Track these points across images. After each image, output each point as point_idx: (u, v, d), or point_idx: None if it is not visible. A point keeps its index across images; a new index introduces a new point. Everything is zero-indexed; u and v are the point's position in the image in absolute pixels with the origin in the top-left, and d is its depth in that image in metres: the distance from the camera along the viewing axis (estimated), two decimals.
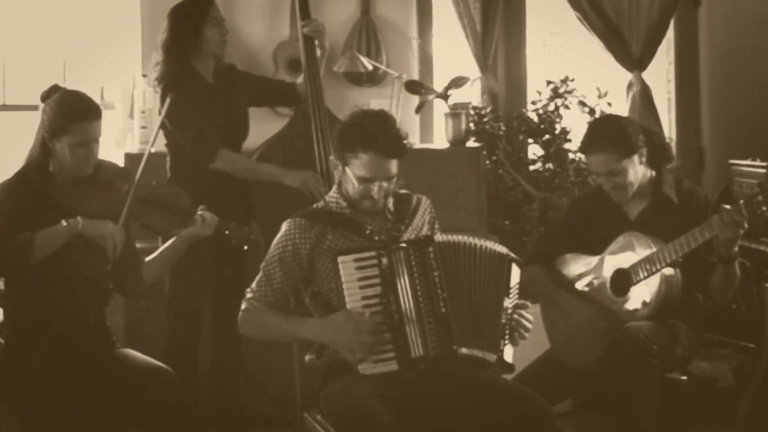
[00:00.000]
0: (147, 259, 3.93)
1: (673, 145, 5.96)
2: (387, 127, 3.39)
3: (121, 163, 4.84)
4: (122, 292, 3.95)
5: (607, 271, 3.96)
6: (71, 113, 3.65)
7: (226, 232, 3.96)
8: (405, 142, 3.41)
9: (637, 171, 4.01)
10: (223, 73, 4.57)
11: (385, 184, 3.39)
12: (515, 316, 3.40)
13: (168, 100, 4.20)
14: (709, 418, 4.55)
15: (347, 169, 3.42)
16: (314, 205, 3.61)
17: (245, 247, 3.95)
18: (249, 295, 3.47)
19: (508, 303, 3.39)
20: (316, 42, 4.68)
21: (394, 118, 3.47)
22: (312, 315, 3.47)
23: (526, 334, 3.42)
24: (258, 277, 3.48)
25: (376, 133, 3.37)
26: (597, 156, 4.01)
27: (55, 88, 3.74)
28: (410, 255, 3.31)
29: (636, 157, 3.99)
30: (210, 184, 4.39)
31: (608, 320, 3.92)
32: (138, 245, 4.13)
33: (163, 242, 4.05)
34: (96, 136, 3.69)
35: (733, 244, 3.76)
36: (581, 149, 4.14)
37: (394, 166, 3.39)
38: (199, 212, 3.91)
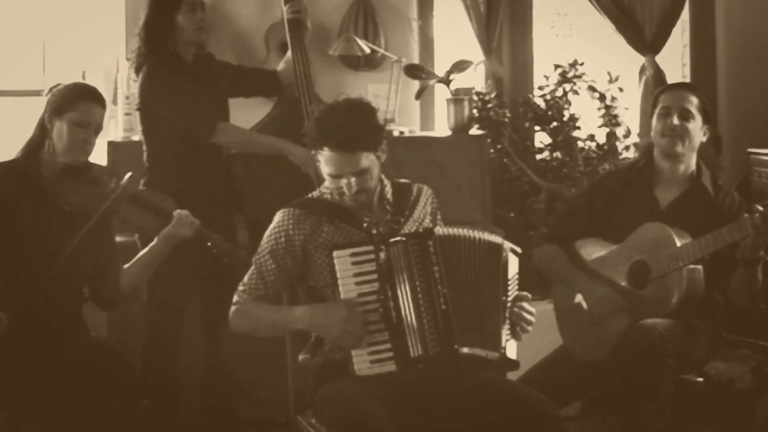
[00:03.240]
0: (126, 266, 3.96)
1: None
2: (344, 120, 3.35)
3: (104, 152, 4.88)
4: (97, 301, 3.97)
5: (627, 261, 3.96)
6: (79, 91, 3.83)
7: (209, 243, 4.01)
8: (371, 131, 3.38)
9: (695, 141, 4.04)
10: (202, 61, 4.61)
11: (353, 180, 3.37)
12: (515, 309, 3.42)
13: (142, 74, 4.38)
14: (725, 422, 4.56)
15: (320, 166, 3.44)
16: (309, 195, 3.61)
17: (225, 260, 4.00)
18: (240, 288, 3.49)
19: (507, 296, 3.40)
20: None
21: (364, 107, 3.41)
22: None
23: (529, 328, 3.44)
24: (249, 271, 3.49)
25: (330, 128, 3.35)
26: (678, 90, 4.11)
27: (59, 84, 3.89)
28: (409, 249, 3.31)
29: (704, 128, 4.05)
30: (191, 176, 4.43)
31: (628, 301, 3.91)
32: (120, 238, 4.16)
33: (142, 242, 4.10)
34: (98, 122, 3.82)
35: (759, 248, 3.74)
36: (660, 90, 4.21)
37: (361, 160, 3.35)
38: (176, 211, 3.95)
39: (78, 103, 3.77)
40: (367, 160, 3.37)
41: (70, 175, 3.78)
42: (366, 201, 3.44)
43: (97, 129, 3.82)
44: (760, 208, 3.66)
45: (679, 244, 3.83)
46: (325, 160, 3.38)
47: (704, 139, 4.06)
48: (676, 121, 4.01)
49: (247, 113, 4.81)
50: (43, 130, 3.80)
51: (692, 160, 4.07)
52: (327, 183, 3.45)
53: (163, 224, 3.97)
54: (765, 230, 3.64)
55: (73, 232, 3.71)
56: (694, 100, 4.05)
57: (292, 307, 3.47)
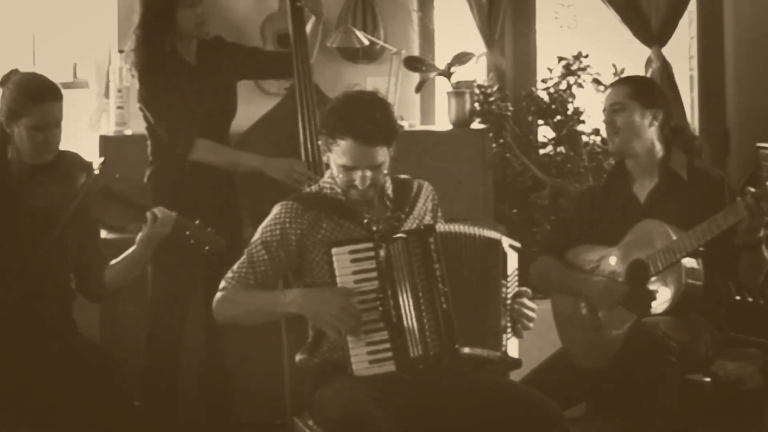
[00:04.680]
0: (112, 262, 3.93)
1: (696, 128, 5.96)
2: (369, 112, 3.37)
3: (95, 146, 4.87)
4: (82, 293, 3.98)
5: (623, 262, 3.97)
6: (28, 94, 3.72)
7: (187, 232, 3.95)
8: (393, 127, 3.41)
9: (640, 129, 4.06)
10: (208, 48, 4.60)
11: (368, 173, 3.38)
12: (515, 306, 3.42)
13: (137, 76, 4.40)
14: (734, 423, 4.55)
15: (330, 156, 3.43)
16: (308, 189, 3.62)
17: (206, 248, 3.95)
18: (228, 276, 3.48)
19: (507, 293, 3.40)
20: (308, 8, 4.68)
21: (384, 102, 3.44)
22: None
23: (530, 325, 3.44)
24: (240, 260, 3.49)
25: (356, 119, 3.35)
26: (613, 87, 4.18)
27: (13, 72, 3.81)
28: (410, 246, 3.31)
29: (648, 114, 4.06)
30: (192, 172, 4.44)
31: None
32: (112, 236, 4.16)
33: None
34: (56, 118, 3.75)
35: (757, 230, 3.77)
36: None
37: (379, 154, 3.37)
38: (150, 211, 3.88)
39: (30, 107, 3.70)
40: (383, 154, 3.39)
41: (39, 174, 3.76)
42: (372, 196, 3.45)
43: (57, 123, 3.76)
44: (752, 190, 3.69)
45: (674, 237, 3.84)
46: (342, 151, 3.36)
47: (656, 123, 4.07)
48: (606, 119, 4.12)
49: (250, 108, 4.81)
50: (3, 134, 3.76)
51: (652, 148, 4.09)
52: (335, 175, 3.44)
53: (139, 218, 3.91)
54: (759, 211, 3.69)
55: (50, 231, 3.70)
56: (623, 90, 4.11)
57: (283, 290, 3.46)
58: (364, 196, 3.42)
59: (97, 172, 3.82)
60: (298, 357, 3.51)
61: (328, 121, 3.40)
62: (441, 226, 3.39)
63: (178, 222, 3.92)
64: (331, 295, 3.28)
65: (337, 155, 3.39)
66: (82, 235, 3.84)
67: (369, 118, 3.35)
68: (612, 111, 4.10)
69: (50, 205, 3.74)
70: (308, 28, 4.72)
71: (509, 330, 3.40)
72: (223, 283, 3.48)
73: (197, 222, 3.94)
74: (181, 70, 4.48)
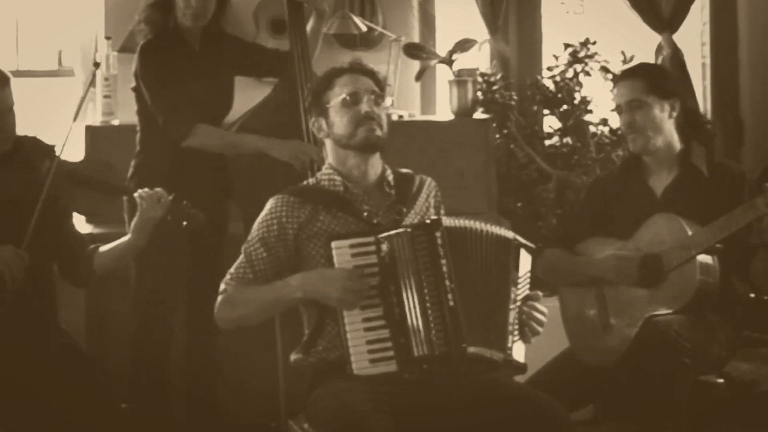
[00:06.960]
0: (103, 248, 3.91)
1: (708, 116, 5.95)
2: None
3: (81, 137, 4.85)
4: (69, 279, 3.99)
5: (636, 257, 3.95)
6: None
7: None
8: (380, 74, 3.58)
9: (661, 124, 4.04)
10: (211, 38, 4.60)
11: (373, 98, 3.46)
12: (525, 308, 3.41)
13: (137, 52, 4.39)
14: (748, 426, 4.54)
15: (330, 111, 3.47)
16: (304, 182, 3.61)
17: (183, 224, 3.90)
18: (227, 277, 3.47)
19: (517, 294, 3.38)
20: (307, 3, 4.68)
21: None
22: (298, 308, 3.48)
23: (540, 329, 3.42)
24: (238, 260, 3.48)
25: (347, 62, 3.55)
26: (625, 82, 4.12)
27: None
28: (415, 241, 3.29)
29: (666, 106, 4.05)
30: (184, 160, 4.42)
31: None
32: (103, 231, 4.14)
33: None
34: (7, 105, 3.78)
35: None
36: (615, 81, 4.23)
37: (373, 84, 3.49)
38: (137, 193, 3.86)
39: None
40: (377, 87, 3.49)
41: (0, 165, 3.77)
42: (378, 143, 3.46)
43: (9, 108, 3.79)
44: None
45: (690, 233, 3.83)
46: (343, 84, 3.47)
47: (674, 114, 4.06)
48: (626, 119, 4.07)
49: (244, 96, 4.80)
50: None
51: (671, 141, 4.08)
52: (340, 129, 3.45)
53: (109, 200, 3.92)
54: None
55: (25, 222, 3.69)
56: (638, 85, 4.06)
57: (285, 279, 3.42)
58: (371, 131, 3.43)
59: (59, 156, 3.82)
60: (293, 356, 3.50)
61: (321, 80, 3.54)
62: (447, 221, 3.37)
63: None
64: (331, 272, 3.27)
65: (336, 96, 3.46)
66: (54, 223, 3.84)
67: (359, 61, 3.57)
68: (630, 109, 4.06)
69: (18, 195, 3.74)
70: (308, 27, 4.71)
71: (516, 333, 3.38)
72: (222, 286, 3.46)
73: (172, 196, 3.90)
74: (184, 55, 4.49)
